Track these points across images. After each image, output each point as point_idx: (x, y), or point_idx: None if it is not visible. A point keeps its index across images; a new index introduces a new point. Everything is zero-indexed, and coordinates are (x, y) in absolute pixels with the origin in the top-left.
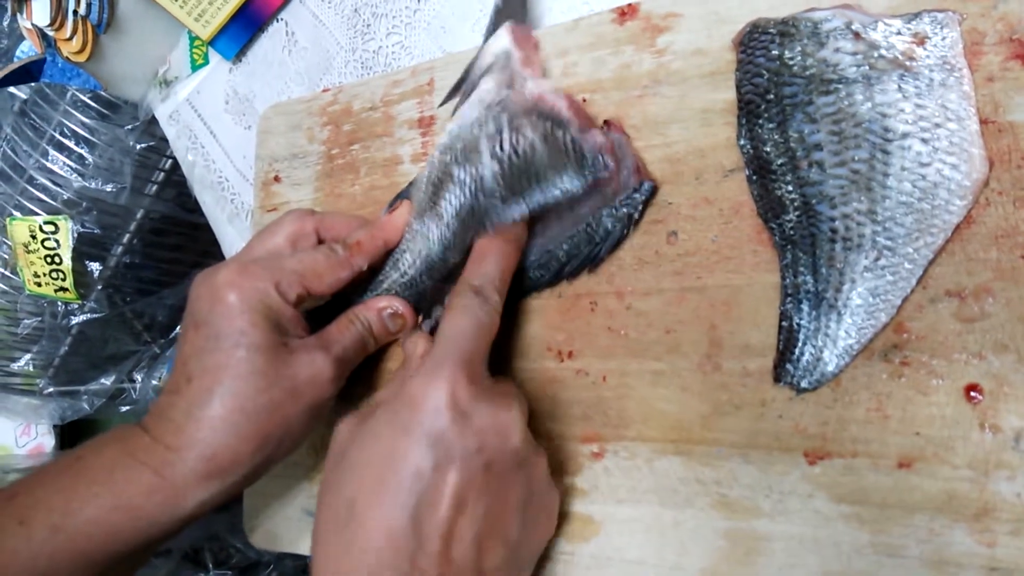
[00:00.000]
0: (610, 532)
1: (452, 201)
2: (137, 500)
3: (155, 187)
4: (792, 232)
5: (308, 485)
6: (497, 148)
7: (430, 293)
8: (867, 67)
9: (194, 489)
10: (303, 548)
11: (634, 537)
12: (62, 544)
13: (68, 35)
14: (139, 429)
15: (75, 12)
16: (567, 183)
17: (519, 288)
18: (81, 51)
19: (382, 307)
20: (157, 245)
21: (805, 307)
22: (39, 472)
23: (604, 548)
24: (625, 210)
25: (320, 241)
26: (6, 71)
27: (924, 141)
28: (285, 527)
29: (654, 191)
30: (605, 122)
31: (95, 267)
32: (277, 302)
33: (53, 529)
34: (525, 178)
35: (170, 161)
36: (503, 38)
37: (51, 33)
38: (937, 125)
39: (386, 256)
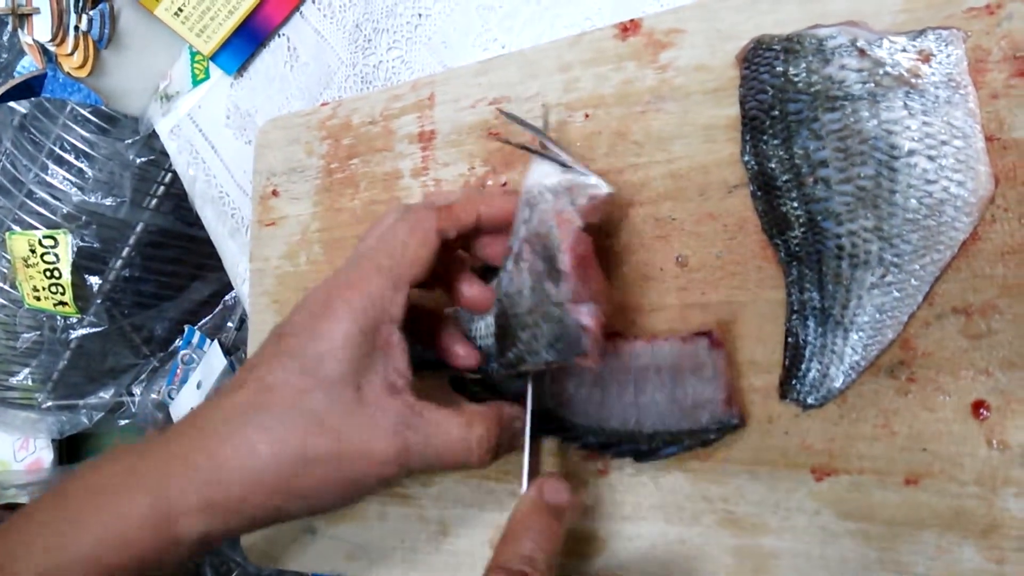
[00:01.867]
0: (615, 549)
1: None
2: (127, 530)
3: (154, 201)
4: (798, 249)
5: None
6: (509, 274)
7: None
8: (872, 84)
9: (191, 517)
10: (303, 565)
11: (639, 554)
12: None
13: (69, 50)
14: (162, 436)
15: (76, 28)
16: (539, 349)
17: (568, 436)
18: (82, 66)
19: (515, 422)
20: (156, 259)
21: (811, 323)
22: (36, 501)
23: (609, 565)
24: (705, 436)
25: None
26: (7, 86)
27: (930, 158)
28: (284, 544)
29: (739, 426)
30: (708, 334)
31: (94, 281)
32: (385, 318)
33: (45, 568)
34: (507, 324)
35: (169, 175)
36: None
37: (52, 48)
38: (943, 142)
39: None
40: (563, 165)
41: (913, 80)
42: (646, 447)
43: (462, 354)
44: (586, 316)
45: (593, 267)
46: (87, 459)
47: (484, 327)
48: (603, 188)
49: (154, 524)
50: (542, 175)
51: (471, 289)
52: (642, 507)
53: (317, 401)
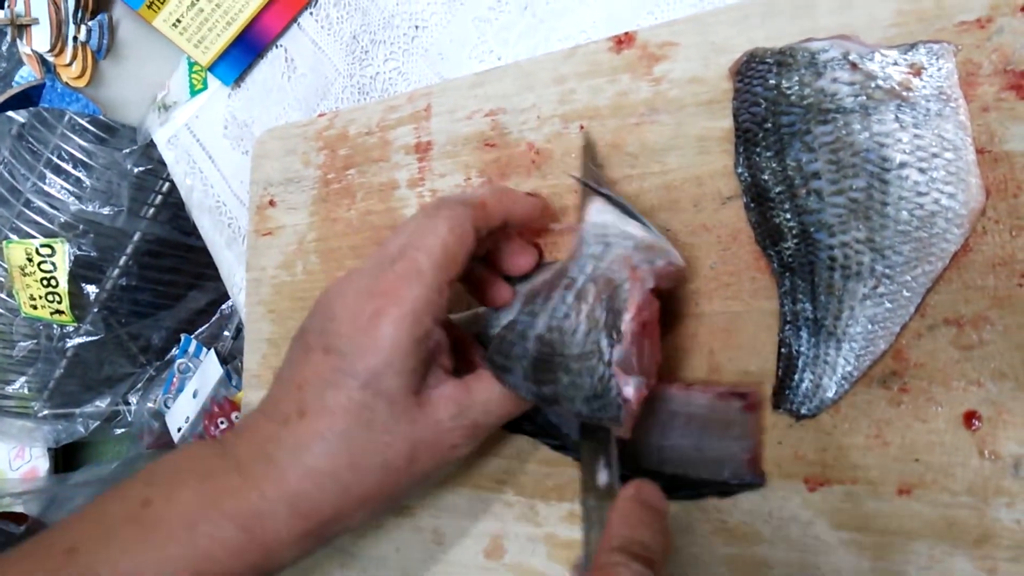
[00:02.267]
0: None
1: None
2: (221, 563)
3: (152, 210)
4: (791, 260)
5: None
6: (560, 303)
7: None
8: (864, 97)
9: (287, 549)
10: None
11: None
12: None
13: (68, 61)
14: (226, 464)
15: (75, 39)
16: (575, 397)
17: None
18: (80, 76)
19: None
20: (153, 268)
21: (804, 334)
22: (98, 517)
23: None
24: (724, 488)
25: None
26: (6, 96)
27: (921, 170)
28: None
29: (759, 486)
30: (744, 395)
31: (91, 290)
32: (432, 332)
33: None
34: (552, 365)
35: (167, 184)
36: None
37: (51, 59)
38: (934, 155)
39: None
40: (643, 224)
41: (904, 93)
42: (663, 487)
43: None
44: (631, 389)
45: (653, 337)
46: (83, 468)
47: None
48: (680, 260)
49: (250, 559)
50: (621, 219)
51: (504, 293)
52: None
53: (383, 415)
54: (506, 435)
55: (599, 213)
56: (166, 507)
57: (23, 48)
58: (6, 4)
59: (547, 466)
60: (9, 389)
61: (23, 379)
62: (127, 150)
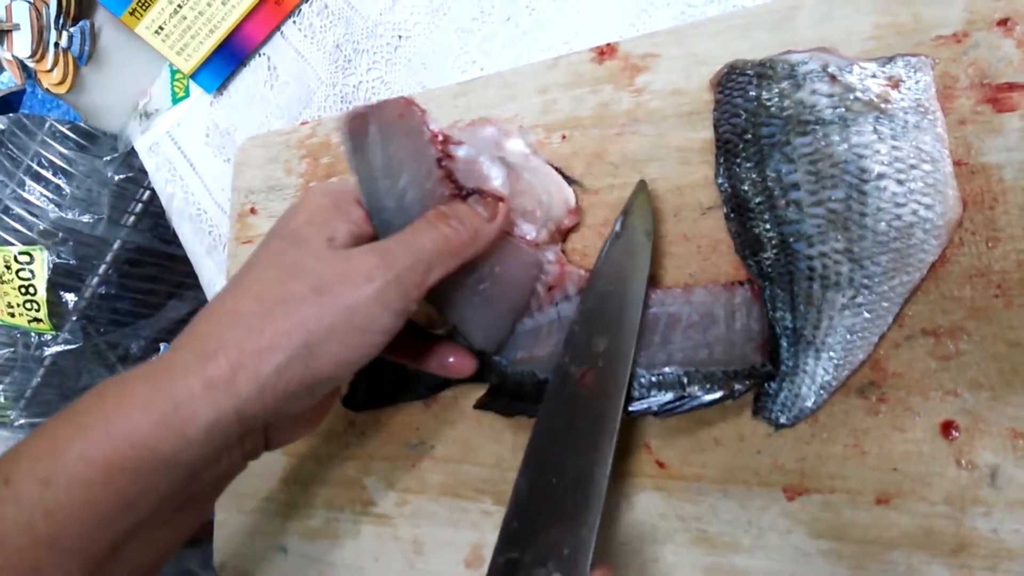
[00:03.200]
0: None
1: None
2: (133, 424)
3: (132, 218)
4: (770, 270)
5: (280, 521)
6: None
7: None
8: (843, 109)
9: (196, 401)
10: None
11: (614, 573)
12: (57, 497)
13: (49, 67)
14: (179, 348)
15: (56, 44)
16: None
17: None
18: (62, 83)
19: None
20: (133, 276)
21: (784, 344)
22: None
23: None
24: (737, 386)
25: None
26: None
27: (899, 182)
28: (257, 563)
29: (770, 376)
30: (750, 281)
31: (70, 298)
32: (356, 209)
33: (43, 483)
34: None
35: (147, 192)
36: None
37: (32, 65)
38: (912, 166)
39: None
40: None
41: (883, 105)
42: (673, 396)
43: (455, 362)
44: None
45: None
46: None
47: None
48: None
49: (161, 416)
50: None
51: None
52: (616, 525)
53: (292, 255)
54: (485, 444)
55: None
56: (89, 394)
57: (3, 53)
58: None
59: None
60: None
61: None
62: (107, 158)
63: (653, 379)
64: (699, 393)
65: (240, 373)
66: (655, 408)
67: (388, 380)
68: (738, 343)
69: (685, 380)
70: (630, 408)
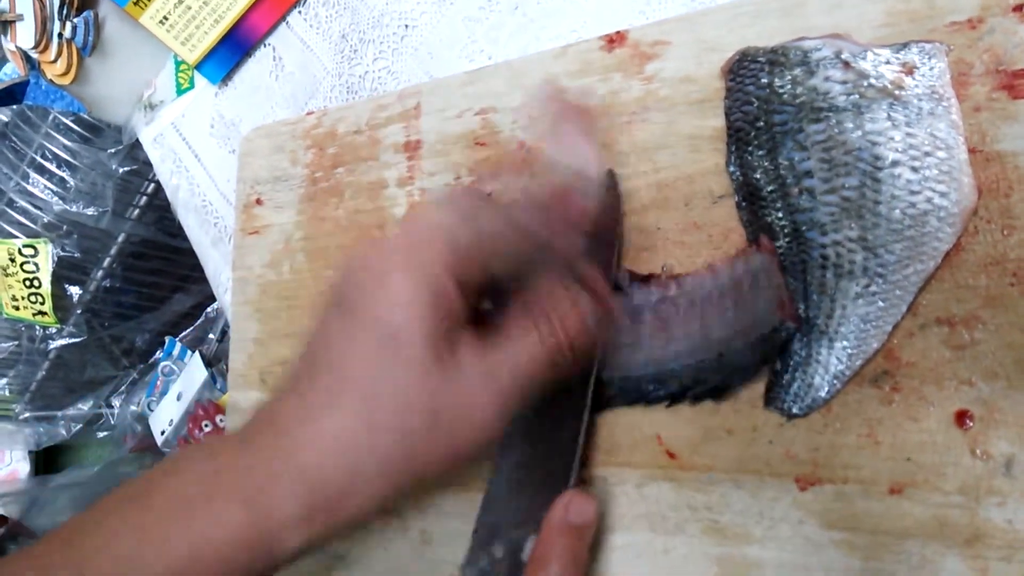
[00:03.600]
0: (600, 559)
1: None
2: (221, 547)
3: (137, 211)
4: (782, 258)
5: None
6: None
7: None
8: (857, 96)
9: (293, 529)
10: None
11: (625, 564)
12: None
13: (53, 58)
14: (232, 443)
15: (60, 35)
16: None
17: (629, 395)
18: (65, 74)
19: (575, 298)
20: (137, 269)
21: (797, 333)
22: (102, 505)
23: (595, 574)
24: (763, 348)
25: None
26: None
27: (914, 169)
28: None
29: (796, 331)
30: (757, 242)
31: (75, 291)
32: (452, 292)
33: None
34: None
35: (152, 185)
36: None
37: (36, 56)
38: (926, 153)
39: None
40: None
41: (897, 92)
42: (719, 379)
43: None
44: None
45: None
46: (64, 471)
47: None
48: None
49: (251, 540)
50: None
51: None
52: (627, 516)
53: (400, 375)
54: None
55: None
56: (163, 488)
57: (7, 44)
58: None
59: None
60: None
61: (4, 381)
62: (112, 150)
63: (686, 369)
64: (741, 376)
65: (345, 508)
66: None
67: None
68: (763, 309)
69: (724, 367)
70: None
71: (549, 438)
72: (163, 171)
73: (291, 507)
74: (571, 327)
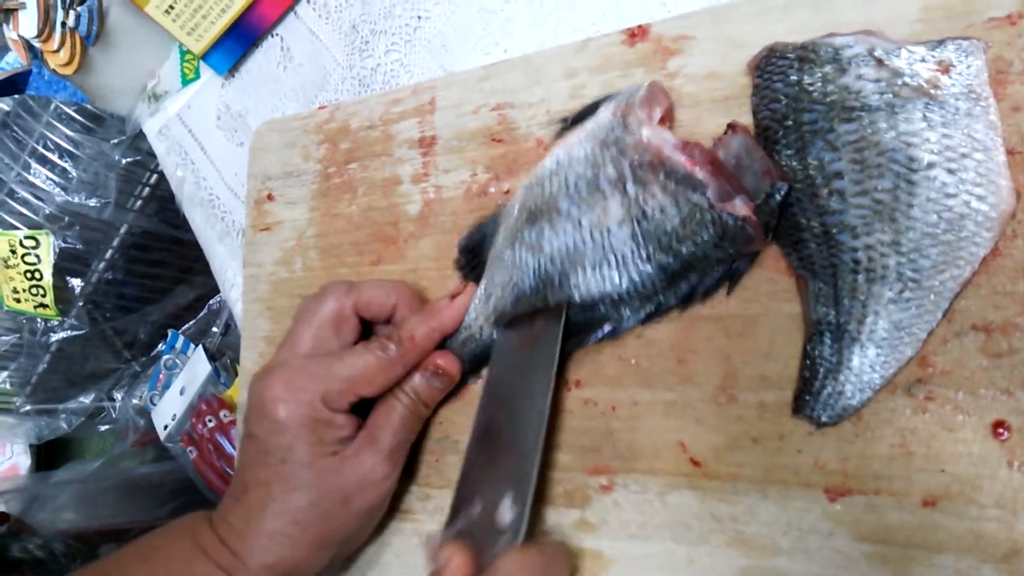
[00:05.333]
0: (621, 569)
1: (561, 237)
2: None
3: (139, 202)
4: (812, 262)
5: None
6: (627, 203)
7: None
8: (891, 95)
9: None
10: None
11: (647, 574)
12: None
13: (56, 47)
14: (207, 524)
15: (63, 24)
16: (707, 252)
17: (641, 310)
18: (68, 63)
19: (423, 371)
20: (140, 261)
21: (827, 339)
22: (121, 556)
23: None
24: (766, 217)
25: (361, 320)
26: None
27: (950, 171)
28: None
29: (789, 192)
30: (730, 125)
31: (76, 283)
32: (325, 415)
33: None
34: (656, 244)
35: (155, 176)
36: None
37: (38, 45)
38: (963, 155)
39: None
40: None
41: (932, 91)
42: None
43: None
44: (741, 207)
45: (720, 163)
46: (65, 465)
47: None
48: (643, 82)
49: None
50: (587, 132)
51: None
52: (649, 526)
53: (305, 480)
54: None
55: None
56: (170, 547)
57: (9, 33)
58: None
59: (557, 472)
60: None
61: (5, 374)
62: (115, 140)
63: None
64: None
65: (297, 572)
66: (674, 302)
67: None
68: (751, 183)
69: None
70: (644, 316)
71: (518, 406)
72: (168, 163)
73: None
74: (424, 396)
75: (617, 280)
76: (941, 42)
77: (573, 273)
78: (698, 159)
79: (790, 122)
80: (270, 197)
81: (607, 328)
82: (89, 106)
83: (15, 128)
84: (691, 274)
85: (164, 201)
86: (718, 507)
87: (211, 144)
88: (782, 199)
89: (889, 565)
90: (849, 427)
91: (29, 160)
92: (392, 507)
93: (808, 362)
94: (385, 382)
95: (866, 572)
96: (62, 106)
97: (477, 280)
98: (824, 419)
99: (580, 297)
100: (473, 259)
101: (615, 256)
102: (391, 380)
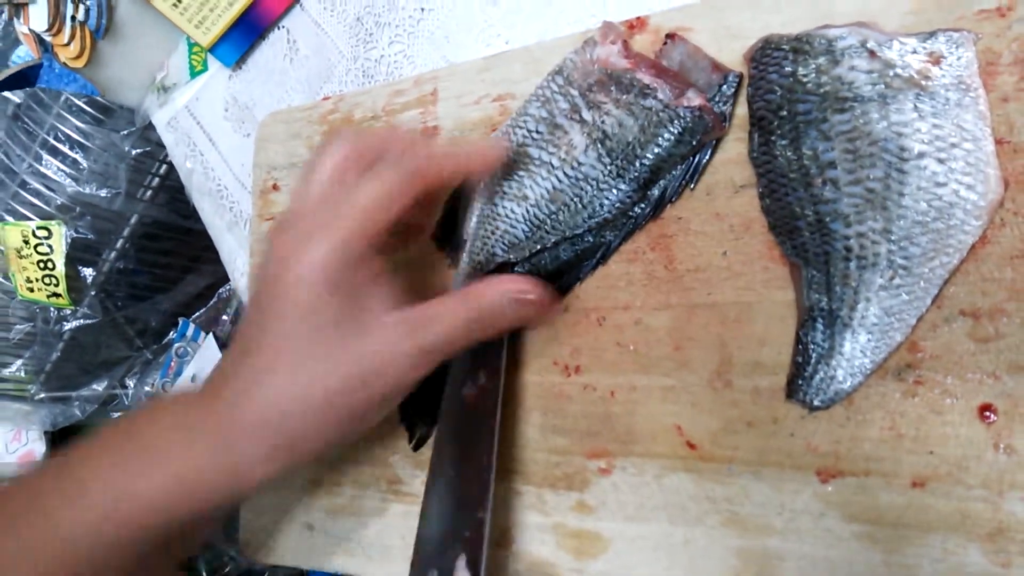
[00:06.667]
0: (619, 550)
1: (540, 183)
2: (199, 481)
3: (149, 192)
4: (806, 249)
5: (308, 499)
6: (587, 129)
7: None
8: (882, 86)
9: (258, 465)
10: (301, 561)
11: (644, 555)
12: (118, 523)
13: (66, 41)
14: (200, 397)
15: (73, 18)
16: (672, 151)
17: (622, 228)
18: (79, 57)
19: (506, 288)
20: (150, 250)
21: (819, 325)
22: (90, 443)
23: (613, 565)
24: (721, 107)
25: None
26: (2, 76)
27: (940, 161)
28: (284, 541)
29: (741, 79)
30: (668, 36)
31: (88, 272)
32: (344, 265)
33: (112, 507)
34: (624, 158)
35: (164, 166)
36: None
37: (48, 39)
38: (953, 145)
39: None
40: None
41: (923, 82)
42: (692, 164)
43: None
44: (695, 98)
45: (664, 67)
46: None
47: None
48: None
49: (224, 476)
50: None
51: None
52: (646, 507)
53: (326, 343)
54: (513, 424)
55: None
56: (147, 432)
57: (20, 27)
58: None
59: (556, 455)
60: (5, 372)
61: (20, 362)
62: (124, 132)
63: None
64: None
65: (301, 446)
66: (648, 210)
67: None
68: (702, 82)
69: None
70: (624, 233)
71: (468, 456)
72: (177, 154)
73: (256, 450)
74: (489, 314)
75: (597, 205)
76: (932, 34)
77: (560, 211)
78: (642, 66)
79: (785, 112)
80: (275, 187)
81: (597, 256)
82: (99, 98)
83: (26, 120)
84: (660, 180)
85: (173, 191)
86: (713, 489)
87: (219, 135)
88: (735, 87)
89: (879, 545)
90: (841, 411)
91: (40, 151)
92: (395, 489)
93: (801, 348)
94: (404, 203)
95: (857, 552)
96: (72, 98)
97: (455, 251)
98: (816, 403)
99: (570, 232)
100: (450, 231)
101: (590, 184)
102: (409, 198)
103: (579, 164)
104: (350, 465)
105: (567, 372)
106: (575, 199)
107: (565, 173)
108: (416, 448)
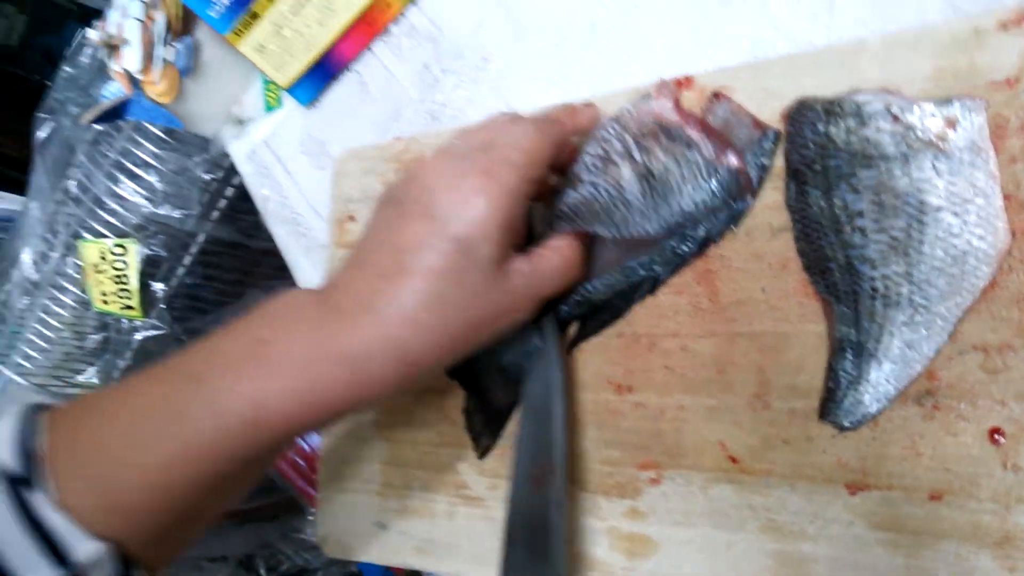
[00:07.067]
0: (668, 552)
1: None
2: (330, 395)
3: (217, 213)
4: (836, 288)
5: (378, 500)
6: (635, 167)
7: None
8: (904, 146)
9: (385, 385)
10: (375, 557)
11: (690, 556)
12: (255, 438)
13: (155, 79)
14: (330, 314)
15: (164, 59)
16: (705, 200)
17: (670, 264)
18: (167, 93)
19: (575, 244)
20: (215, 267)
21: (849, 355)
22: (218, 350)
23: (662, 566)
24: (762, 160)
25: None
26: (98, 111)
27: (955, 214)
28: (356, 537)
29: (779, 136)
30: (714, 94)
31: (158, 287)
32: (512, 206)
33: (251, 422)
34: (663, 196)
35: (231, 189)
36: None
37: (139, 77)
38: (967, 200)
39: None
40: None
41: (940, 144)
42: (733, 210)
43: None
44: (733, 160)
45: (709, 125)
46: None
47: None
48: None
49: (352, 394)
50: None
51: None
52: (692, 514)
53: (473, 279)
54: (573, 437)
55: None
56: (280, 347)
57: (113, 66)
58: (98, 26)
59: (610, 466)
60: (80, 378)
61: (93, 369)
62: (198, 158)
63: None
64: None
65: (419, 372)
66: (695, 248)
67: (499, 406)
68: (743, 140)
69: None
70: (672, 268)
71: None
72: (254, 184)
73: (383, 371)
74: (573, 267)
75: (632, 228)
76: (948, 100)
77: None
78: (691, 123)
79: (818, 166)
80: (351, 218)
81: (647, 287)
82: (176, 129)
83: (106, 145)
84: (700, 225)
85: (241, 213)
86: (753, 499)
87: (295, 167)
88: (774, 142)
89: (900, 550)
90: (867, 431)
91: (117, 175)
92: (462, 494)
93: (832, 375)
94: (552, 153)
95: (880, 556)
96: (150, 127)
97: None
98: (846, 424)
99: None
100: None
101: (629, 209)
102: (554, 150)
103: (623, 188)
104: (419, 471)
105: (620, 391)
106: (621, 220)
107: (609, 193)
108: (482, 457)
